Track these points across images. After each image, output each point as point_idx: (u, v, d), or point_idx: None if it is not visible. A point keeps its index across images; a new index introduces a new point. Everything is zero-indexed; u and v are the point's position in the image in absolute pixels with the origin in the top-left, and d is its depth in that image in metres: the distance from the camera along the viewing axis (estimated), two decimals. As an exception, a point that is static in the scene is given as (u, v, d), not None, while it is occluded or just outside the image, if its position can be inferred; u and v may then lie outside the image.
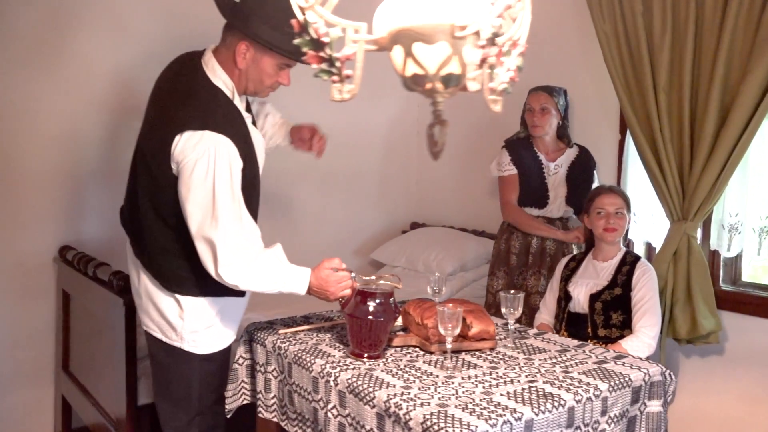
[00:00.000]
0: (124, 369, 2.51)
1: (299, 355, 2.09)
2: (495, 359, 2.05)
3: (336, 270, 2.12)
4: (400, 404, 1.69)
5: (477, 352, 2.11)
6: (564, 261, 2.92)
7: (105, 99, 3.38)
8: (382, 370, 1.93)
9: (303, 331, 2.32)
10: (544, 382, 1.83)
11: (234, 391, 2.37)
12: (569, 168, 3.09)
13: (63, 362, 3.23)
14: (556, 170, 3.10)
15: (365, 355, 2.03)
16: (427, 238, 3.94)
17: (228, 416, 2.33)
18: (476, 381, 1.85)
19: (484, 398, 1.72)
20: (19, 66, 3.15)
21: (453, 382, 1.84)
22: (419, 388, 1.79)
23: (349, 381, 1.87)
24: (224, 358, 2.30)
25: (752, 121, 2.70)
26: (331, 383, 1.92)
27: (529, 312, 3.03)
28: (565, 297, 2.80)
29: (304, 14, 0.88)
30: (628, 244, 3.25)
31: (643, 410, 1.96)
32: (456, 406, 1.67)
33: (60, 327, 3.25)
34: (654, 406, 1.98)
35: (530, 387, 1.80)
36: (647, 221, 3.22)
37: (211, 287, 2.12)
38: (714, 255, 3.05)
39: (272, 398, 2.24)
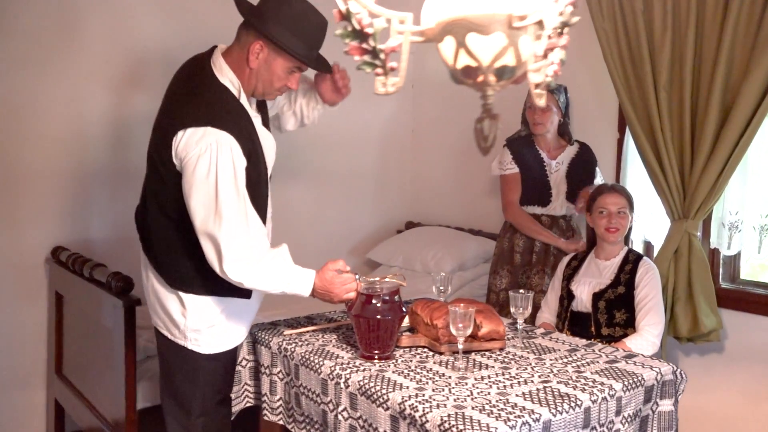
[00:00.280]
0: (123, 372, 2.45)
1: (306, 356, 2.06)
2: (506, 359, 2.02)
3: (340, 272, 2.10)
4: (416, 406, 1.66)
5: (487, 353, 2.09)
6: (566, 260, 2.91)
7: (102, 99, 3.32)
8: (393, 372, 1.90)
9: (308, 332, 2.29)
10: (558, 383, 1.82)
11: (237, 393, 2.33)
12: (569, 165, 3.08)
13: (56, 365, 3.16)
14: (557, 168, 3.09)
15: (376, 356, 1.99)
16: (424, 237, 3.91)
17: (231, 418, 2.30)
18: (490, 382, 1.83)
19: (500, 399, 1.70)
20: (18, 65, 3.09)
21: (467, 383, 1.81)
22: (433, 390, 1.76)
23: (361, 383, 1.83)
24: (230, 359, 2.26)
25: (754, 120, 2.70)
26: (342, 385, 1.89)
27: (533, 311, 3.01)
28: (567, 296, 2.79)
29: (346, 4, 0.85)
30: (628, 242, 3.24)
31: (655, 409, 1.95)
32: (473, 408, 1.64)
33: (52, 329, 3.18)
34: (666, 405, 1.97)
35: (545, 387, 1.78)
36: (646, 220, 3.22)
37: (214, 286, 2.11)
38: (714, 253, 3.06)
39: (278, 401, 2.20)
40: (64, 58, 3.21)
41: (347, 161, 4.17)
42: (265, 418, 2.25)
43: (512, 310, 2.14)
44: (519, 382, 1.82)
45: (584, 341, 2.24)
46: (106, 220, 3.36)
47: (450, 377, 1.86)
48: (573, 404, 1.69)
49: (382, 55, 0.89)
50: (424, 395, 1.72)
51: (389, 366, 1.95)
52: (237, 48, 2.09)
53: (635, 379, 1.87)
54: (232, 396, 2.31)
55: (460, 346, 1.94)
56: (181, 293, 2.15)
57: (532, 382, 1.83)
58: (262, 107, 2.28)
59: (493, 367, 1.96)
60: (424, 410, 1.63)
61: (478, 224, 4.01)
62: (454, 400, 1.69)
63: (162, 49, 3.41)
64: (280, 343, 2.18)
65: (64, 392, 3.07)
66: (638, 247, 3.28)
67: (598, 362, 2.00)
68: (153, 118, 3.30)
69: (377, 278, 2.09)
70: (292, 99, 2.44)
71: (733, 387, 3.02)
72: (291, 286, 2.05)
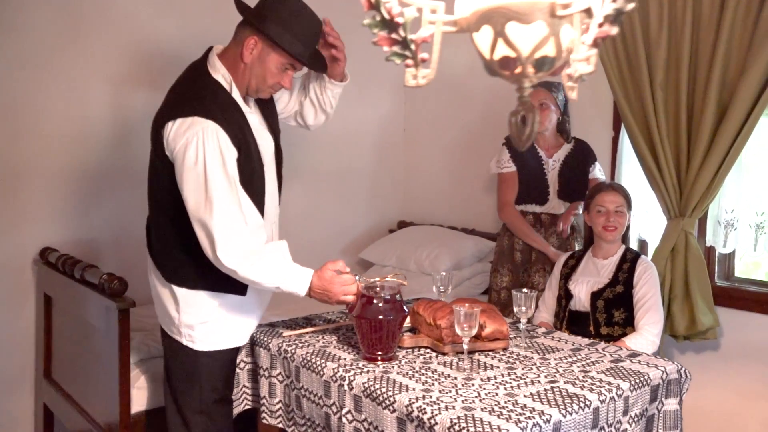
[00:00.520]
0: (117, 375, 2.40)
1: (308, 358, 2.02)
2: (510, 359, 2.00)
3: (340, 273, 2.07)
4: (424, 408, 1.63)
5: (490, 353, 2.06)
6: (563, 259, 2.90)
7: (94, 98, 3.26)
8: (398, 373, 1.87)
9: (308, 333, 2.25)
10: (565, 383, 1.80)
11: (235, 396, 2.29)
12: (563, 162, 3.07)
13: (44, 369, 3.10)
14: (554, 166, 3.08)
15: (379, 358, 1.96)
16: (418, 236, 3.89)
17: (232, 418, 2.27)
18: (496, 382, 1.80)
19: (509, 400, 1.68)
20: (10, 63, 3.04)
21: (473, 384, 1.79)
22: (440, 391, 1.73)
23: (365, 385, 1.80)
24: (228, 359, 2.24)
25: (750, 118, 2.71)
26: (345, 387, 1.86)
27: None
28: (565, 295, 2.78)
29: (374, -8, 0.82)
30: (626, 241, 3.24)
31: (660, 408, 1.94)
32: (482, 409, 1.62)
33: (41, 332, 3.11)
34: (671, 404, 1.95)
35: (552, 387, 1.76)
36: (641, 218, 3.22)
37: (206, 280, 2.12)
38: (709, 251, 3.06)
39: (277, 403, 2.16)
40: (56, 56, 3.14)
41: (339, 161, 4.14)
42: (264, 421, 2.21)
43: (515, 309, 2.12)
44: (526, 383, 1.80)
45: (587, 340, 2.22)
46: (96, 221, 3.29)
47: (456, 378, 1.83)
48: (582, 404, 1.67)
49: (412, 46, 0.85)
50: (431, 397, 1.69)
51: (393, 367, 1.92)
52: (233, 46, 2.12)
53: (642, 379, 1.86)
54: (232, 397, 2.28)
55: (465, 347, 1.91)
56: (174, 287, 2.17)
57: (539, 382, 1.80)
58: (263, 107, 2.28)
59: (498, 367, 1.93)
60: (432, 412, 1.61)
61: (472, 223, 3.99)
62: (462, 402, 1.66)
63: (160, 49, 3.38)
64: (280, 345, 2.14)
65: (54, 396, 3.01)
66: (633, 245, 3.27)
67: (602, 361, 1.98)
68: (146, 118, 3.26)
69: (378, 278, 2.05)
70: (304, 89, 2.43)
71: (729, 384, 3.03)
72: (287, 282, 2.03)
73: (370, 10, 0.85)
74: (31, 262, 3.15)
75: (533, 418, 1.57)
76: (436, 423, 1.58)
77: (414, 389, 1.75)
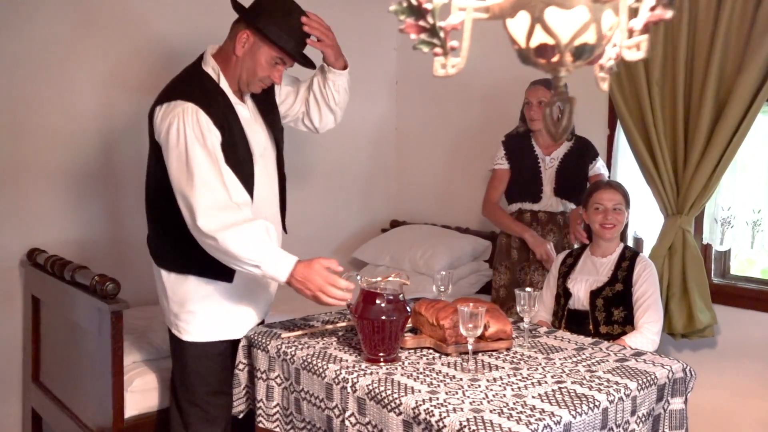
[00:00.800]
0: (110, 379, 2.34)
1: (308, 360, 1.98)
2: (514, 359, 1.97)
3: (330, 270, 2.04)
4: (431, 410, 1.59)
5: (494, 353, 2.03)
6: (560, 257, 2.87)
7: (85, 96, 3.20)
8: (402, 374, 1.84)
9: (306, 334, 2.20)
10: (572, 383, 1.77)
11: (239, 395, 2.25)
12: (561, 160, 3.05)
13: (33, 372, 3.02)
14: (551, 163, 3.05)
15: (381, 359, 1.93)
16: (411, 236, 3.85)
17: (240, 417, 2.26)
18: (503, 383, 1.77)
19: (518, 401, 1.65)
20: (5, 64, 2.98)
21: (479, 385, 1.76)
22: (446, 393, 1.70)
23: (370, 387, 1.76)
24: (216, 352, 2.24)
25: (748, 115, 2.71)
26: (348, 389, 1.82)
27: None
28: (564, 294, 2.75)
29: (402, -24, 0.78)
30: (625, 239, 3.23)
31: (666, 408, 1.92)
32: (491, 411, 1.58)
33: (29, 335, 3.04)
34: (677, 403, 1.94)
35: (560, 388, 1.73)
36: (637, 216, 3.21)
37: (192, 263, 2.13)
38: (706, 249, 3.06)
39: (275, 407, 2.12)
40: (46, 56, 3.08)
41: (330, 160, 4.09)
42: (260, 425, 2.16)
43: (518, 308, 2.09)
44: (533, 383, 1.77)
45: (590, 339, 2.20)
46: (84, 222, 3.23)
47: (461, 379, 1.80)
48: (591, 405, 1.64)
49: (441, 34, 0.81)
50: (438, 399, 1.66)
51: (396, 369, 1.89)
52: (227, 42, 2.21)
53: (648, 378, 1.83)
54: (235, 397, 2.24)
55: (470, 347, 1.88)
56: (163, 273, 2.23)
57: (546, 382, 1.78)
58: (260, 103, 2.32)
59: (503, 367, 1.90)
60: (440, 414, 1.57)
61: (465, 222, 3.96)
62: (470, 403, 1.63)
63: (151, 50, 3.33)
64: (279, 347, 2.09)
65: (42, 400, 2.94)
66: (628, 243, 3.26)
67: (608, 361, 1.96)
68: (136, 118, 3.22)
69: (379, 278, 2.01)
70: (309, 89, 2.45)
71: (725, 382, 3.03)
72: (269, 263, 1.99)
73: None
74: (18, 264, 3.07)
75: (543, 419, 1.54)
76: (445, 426, 1.54)
77: (420, 391, 1.71)
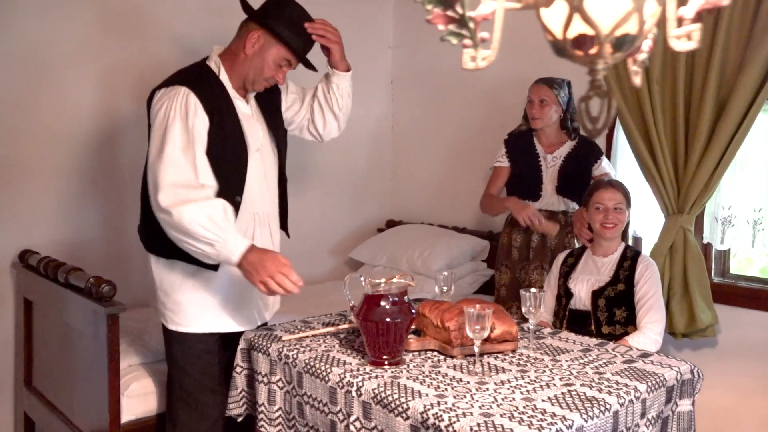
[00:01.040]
0: (106, 383, 2.28)
1: (311, 363, 1.94)
2: (521, 362, 1.94)
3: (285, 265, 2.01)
4: (440, 415, 1.56)
5: (499, 355, 2.00)
6: (561, 257, 2.85)
7: (79, 96, 3.14)
8: (407, 378, 1.80)
9: (308, 337, 2.17)
10: (582, 385, 1.74)
11: (236, 398, 2.21)
12: (564, 159, 3.03)
13: (25, 376, 2.97)
14: (554, 162, 3.03)
15: (386, 362, 1.89)
16: (408, 235, 3.81)
17: (239, 420, 2.24)
18: (511, 386, 1.74)
19: (527, 405, 1.61)
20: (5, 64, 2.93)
21: (488, 389, 1.72)
22: (454, 396, 1.67)
23: (375, 391, 1.73)
24: (200, 347, 2.24)
25: (749, 113, 2.69)
26: (353, 393, 1.78)
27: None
28: (565, 294, 2.73)
29: (429, -37, 0.73)
30: (626, 239, 3.20)
31: (674, 410, 1.90)
32: (501, 415, 1.55)
33: (21, 338, 2.98)
34: (685, 405, 1.92)
35: (569, 391, 1.70)
36: (636, 215, 3.19)
37: (175, 246, 2.08)
38: (706, 248, 3.04)
39: (277, 411, 2.08)
40: (41, 56, 3.02)
41: (326, 159, 4.04)
42: (262, 429, 2.12)
43: (523, 310, 2.06)
44: (541, 386, 1.74)
45: (595, 340, 2.18)
46: (77, 223, 3.17)
47: (468, 382, 1.77)
48: (602, 408, 1.62)
49: (471, 24, 0.77)
50: (446, 403, 1.62)
51: (402, 372, 1.85)
52: (235, 41, 2.26)
53: (658, 380, 1.81)
54: (231, 400, 2.21)
55: (477, 349, 1.84)
56: (152, 257, 2.25)
57: (555, 385, 1.75)
58: (262, 103, 2.35)
59: (510, 370, 1.87)
60: (450, 419, 1.54)
61: (463, 222, 3.93)
62: (480, 408, 1.60)
63: (149, 50, 3.27)
64: (280, 350, 2.05)
65: (35, 405, 2.88)
66: (628, 242, 3.25)
67: (615, 362, 1.94)
68: (131, 118, 3.17)
69: (383, 279, 1.98)
70: (314, 95, 2.50)
71: (726, 382, 3.01)
72: (222, 241, 1.98)
73: None
74: (9, 266, 3.01)
75: (555, 423, 1.51)
76: (455, 431, 1.51)
77: (427, 395, 1.68)
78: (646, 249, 3.17)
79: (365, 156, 4.25)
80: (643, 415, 1.75)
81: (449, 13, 0.77)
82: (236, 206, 2.17)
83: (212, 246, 1.98)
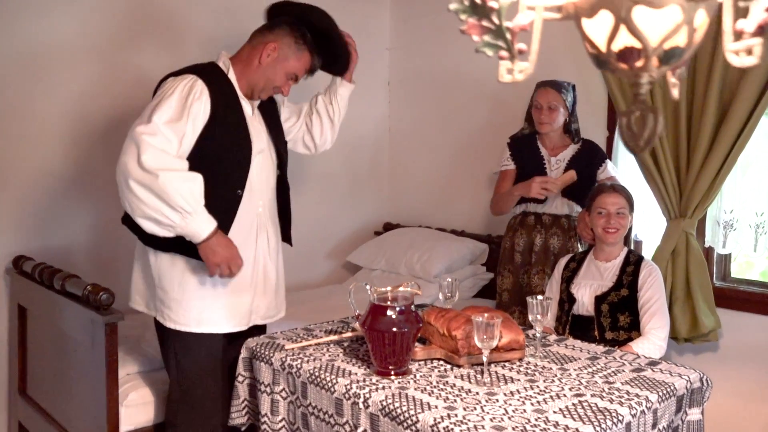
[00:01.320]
0: (104, 393, 2.24)
1: (316, 373, 1.91)
2: (529, 371, 1.92)
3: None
4: (451, 428, 1.53)
5: (507, 364, 1.98)
6: (563, 262, 2.82)
7: (70, 99, 3.08)
8: (415, 389, 1.77)
9: (311, 345, 2.13)
10: (592, 396, 1.72)
11: (238, 407, 2.17)
12: (569, 162, 3.00)
13: (19, 384, 2.91)
14: (557, 165, 3.00)
15: (392, 372, 1.86)
16: (406, 239, 3.78)
17: (242, 429, 2.22)
18: (521, 397, 1.71)
19: (540, 417, 1.59)
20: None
21: (497, 400, 1.70)
22: (464, 408, 1.64)
23: (383, 402, 1.70)
24: (204, 348, 2.22)
25: (752, 117, 2.67)
26: (360, 405, 1.75)
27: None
28: (568, 299, 2.71)
29: (463, -29, 0.70)
30: (629, 243, 3.19)
31: (684, 419, 1.88)
32: (513, 429, 1.52)
33: (15, 346, 2.93)
34: (694, 414, 1.90)
35: (580, 402, 1.68)
36: (637, 218, 3.17)
37: (174, 241, 2.11)
38: (707, 252, 3.03)
39: (280, 421, 2.04)
40: (30, 57, 2.97)
41: (322, 161, 3.99)
42: (265, 440, 2.09)
43: (530, 317, 2.03)
44: (552, 397, 1.72)
45: (602, 348, 2.15)
46: (72, 227, 3.11)
47: (477, 393, 1.74)
48: (615, 420, 1.59)
49: (508, 35, 0.74)
50: (456, 415, 1.60)
51: (409, 382, 1.82)
52: (248, 48, 2.30)
53: (668, 389, 1.79)
54: (233, 409, 2.18)
55: (485, 359, 1.82)
56: (150, 252, 2.21)
57: (565, 396, 1.72)
58: (264, 110, 2.38)
59: (519, 380, 1.85)
60: (461, 433, 1.51)
61: (461, 225, 3.90)
62: (491, 420, 1.57)
63: (139, 51, 3.22)
64: (284, 359, 2.02)
65: (29, 414, 2.83)
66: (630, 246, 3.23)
67: (624, 371, 1.91)
68: (124, 120, 3.11)
69: (389, 288, 1.95)
70: (311, 109, 2.60)
71: (728, 386, 2.99)
72: (196, 214, 2.03)
73: None
74: (3, 272, 2.96)
75: (569, 436, 1.49)
76: (467, 444, 1.48)
77: (436, 407, 1.65)
78: (647, 252, 3.16)
79: (362, 158, 4.22)
80: (654, 425, 1.73)
81: (485, 23, 0.73)
82: (237, 200, 2.21)
83: (183, 217, 2.02)
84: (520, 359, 2.01)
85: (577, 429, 1.52)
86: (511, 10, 0.74)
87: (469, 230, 3.85)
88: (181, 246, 2.13)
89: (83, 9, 3.08)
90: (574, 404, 1.66)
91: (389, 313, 1.87)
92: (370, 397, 1.73)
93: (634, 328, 2.58)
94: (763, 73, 2.63)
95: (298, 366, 1.96)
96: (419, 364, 1.97)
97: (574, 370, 1.92)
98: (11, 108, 2.94)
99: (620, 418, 1.61)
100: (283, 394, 2.03)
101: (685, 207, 2.85)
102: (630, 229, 2.76)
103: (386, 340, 1.85)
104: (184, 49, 3.25)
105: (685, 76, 0.76)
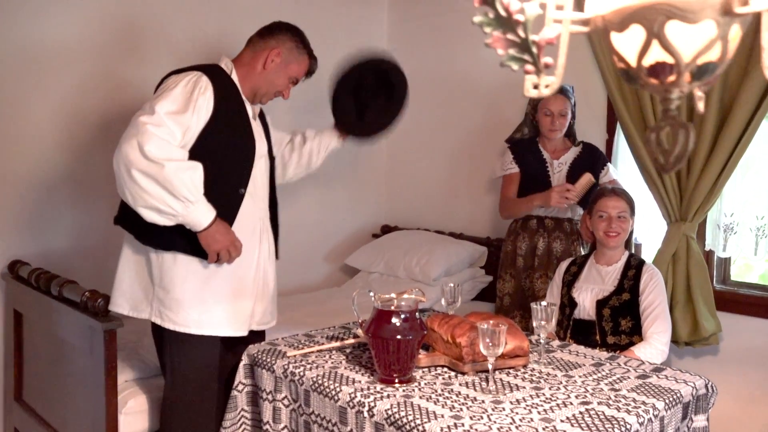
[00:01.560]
0: (103, 400, 2.22)
1: (318, 381, 1.88)
2: (534, 378, 1.90)
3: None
4: (459, 438, 1.51)
5: (511, 370, 1.96)
6: (564, 266, 2.81)
7: (65, 101, 3.05)
8: (420, 397, 1.75)
9: (313, 352, 2.11)
10: (599, 404, 1.70)
11: (233, 420, 2.14)
12: (572, 165, 2.99)
13: (15, 390, 2.88)
14: (560, 168, 2.99)
15: (396, 380, 1.84)
16: (405, 241, 3.76)
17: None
18: (527, 405, 1.70)
19: (547, 426, 1.57)
20: None
21: (504, 408, 1.68)
22: (471, 417, 1.62)
23: (389, 411, 1.68)
24: (203, 351, 2.20)
25: (753, 121, 2.67)
26: (365, 414, 1.73)
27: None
28: (569, 303, 2.69)
29: (487, -18, 0.68)
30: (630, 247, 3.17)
31: (690, 426, 1.87)
32: (522, 438, 1.51)
33: (10, 351, 2.89)
34: (700, 420, 1.89)
35: (587, 410, 1.66)
36: (638, 222, 3.16)
37: (177, 236, 2.11)
38: (707, 255, 3.02)
39: (282, 429, 2.02)
40: (22, 59, 2.93)
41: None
42: (267, 447, 2.06)
43: (534, 324, 2.02)
44: (558, 405, 1.70)
45: (606, 354, 2.14)
46: (69, 231, 3.08)
47: (483, 401, 1.72)
48: (623, 428, 1.58)
49: (534, 49, 0.72)
50: (463, 425, 1.58)
51: (414, 390, 1.80)
52: (249, 54, 2.31)
53: (674, 396, 1.78)
54: (227, 423, 2.13)
55: (491, 367, 1.80)
56: (150, 252, 2.19)
57: (572, 404, 1.71)
58: (264, 128, 2.42)
59: (524, 387, 1.83)
60: (469, 443, 1.49)
61: (459, 227, 3.89)
62: (498, 429, 1.55)
63: (132, 52, 3.18)
64: (286, 367, 1.99)
65: (25, 420, 2.80)
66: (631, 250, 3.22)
67: (629, 378, 1.90)
68: (119, 122, 3.08)
69: (393, 294, 1.93)
70: (295, 147, 2.63)
71: (727, 389, 2.99)
72: (198, 204, 2.05)
73: (483, 6, 0.71)
74: (-2, 277, 2.93)
75: (578, 446, 1.47)
76: (475, 455, 1.47)
77: (443, 416, 1.63)
78: (646, 255, 3.15)
79: (359, 160, 4.19)
80: (660, 433, 1.72)
81: (510, 36, 0.71)
82: (239, 198, 2.22)
83: (185, 206, 2.02)
84: (525, 366, 1.99)
85: (585, 438, 1.51)
86: (537, 24, 0.72)
87: (468, 233, 3.84)
88: (181, 243, 2.12)
89: (79, 10, 3.05)
90: (581, 412, 1.65)
91: (393, 320, 1.85)
92: (375, 405, 1.71)
93: (635, 333, 2.57)
94: (764, 77, 2.62)
95: (301, 373, 1.94)
96: (423, 371, 1.95)
97: (579, 376, 1.91)
98: (6, 111, 2.90)
99: (628, 426, 1.59)
100: (286, 401, 2.01)
101: (685, 211, 2.85)
102: (631, 233, 2.75)
103: (390, 348, 1.83)
104: (179, 54, 3.22)
105: (710, 87, 0.74)
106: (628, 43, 0.72)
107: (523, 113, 3.16)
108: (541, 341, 2.06)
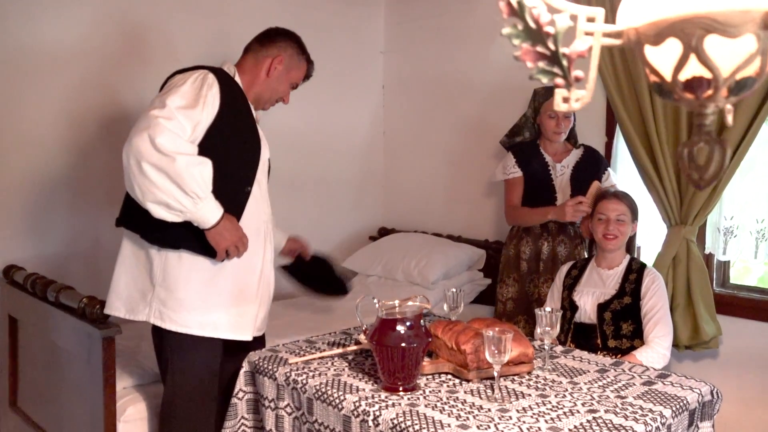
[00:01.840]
0: (101, 408, 2.19)
1: (322, 389, 1.86)
2: (539, 385, 1.89)
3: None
4: (467, 448, 1.50)
5: (515, 377, 1.94)
6: (564, 269, 2.80)
7: (60, 103, 3.01)
8: (426, 405, 1.73)
9: (315, 359, 2.09)
10: (606, 411, 1.69)
11: (233, 428, 2.11)
12: (574, 168, 2.98)
13: (10, 397, 2.84)
14: (562, 171, 2.98)
15: (401, 387, 1.82)
16: (403, 244, 3.74)
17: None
18: (534, 414, 1.68)
19: (555, 436, 1.56)
20: None
21: (510, 417, 1.66)
22: (478, 427, 1.60)
23: (394, 421, 1.66)
24: (204, 354, 2.17)
25: (753, 124, 2.67)
26: (370, 423, 1.71)
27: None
28: (570, 307, 2.68)
29: (518, -5, 0.66)
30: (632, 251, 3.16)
31: (695, 433, 1.86)
32: (530, 448, 1.49)
33: (5, 357, 2.85)
34: (705, 427, 1.88)
35: (595, 418, 1.65)
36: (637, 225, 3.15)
37: (184, 235, 2.08)
38: (707, 258, 3.02)
39: (285, 437, 2.00)
40: (16, 60, 2.89)
41: (317, 166, 3.96)
42: (269, 455, 2.04)
43: (538, 330, 2.00)
44: (565, 413, 1.69)
45: (609, 360, 2.13)
46: (66, 236, 3.05)
47: (489, 410, 1.71)
48: (631, 437, 1.56)
49: (564, 62, 0.70)
50: (471, 434, 1.56)
51: (419, 398, 1.78)
52: (251, 61, 2.31)
53: (681, 404, 1.77)
54: (227, 431, 2.11)
55: (497, 374, 1.78)
56: (153, 250, 2.14)
57: (579, 412, 1.69)
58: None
59: (530, 394, 1.81)
60: (477, 453, 1.47)
61: (457, 230, 3.87)
62: (506, 439, 1.54)
63: (128, 52, 3.15)
64: (288, 374, 1.97)
65: (21, 426, 2.76)
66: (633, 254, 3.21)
67: (634, 384, 1.89)
68: (117, 126, 3.05)
69: (397, 301, 1.91)
70: None
71: (727, 392, 2.96)
72: (207, 200, 2.02)
73: (511, 17, 0.69)
74: (-7, 282, 2.89)
75: (587, 456, 1.46)
76: (484, 466, 1.45)
77: (449, 425, 1.61)
78: (646, 258, 3.14)
79: (357, 162, 4.18)
80: (668, 441, 1.71)
81: (540, 49, 0.69)
82: (245, 197, 2.20)
83: (195, 203, 1.99)
84: (529, 373, 1.98)
85: (594, 448, 1.50)
86: (568, 36, 0.70)
87: (466, 236, 3.82)
88: (189, 241, 2.10)
89: (77, 13, 3.02)
90: (588, 421, 1.64)
91: (398, 327, 1.83)
92: (380, 414, 1.69)
93: (636, 336, 2.57)
94: (763, 81, 2.62)
95: (303, 381, 1.92)
96: (427, 379, 1.94)
97: (585, 383, 1.89)
98: (2, 115, 2.87)
99: (636, 435, 1.58)
100: (288, 409, 1.98)
101: (685, 214, 2.84)
102: (633, 237, 2.74)
103: (395, 356, 1.81)
104: (178, 56, 3.19)
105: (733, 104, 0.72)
106: (663, 57, 0.70)
107: (519, 116, 3.14)
108: (545, 347, 2.04)
